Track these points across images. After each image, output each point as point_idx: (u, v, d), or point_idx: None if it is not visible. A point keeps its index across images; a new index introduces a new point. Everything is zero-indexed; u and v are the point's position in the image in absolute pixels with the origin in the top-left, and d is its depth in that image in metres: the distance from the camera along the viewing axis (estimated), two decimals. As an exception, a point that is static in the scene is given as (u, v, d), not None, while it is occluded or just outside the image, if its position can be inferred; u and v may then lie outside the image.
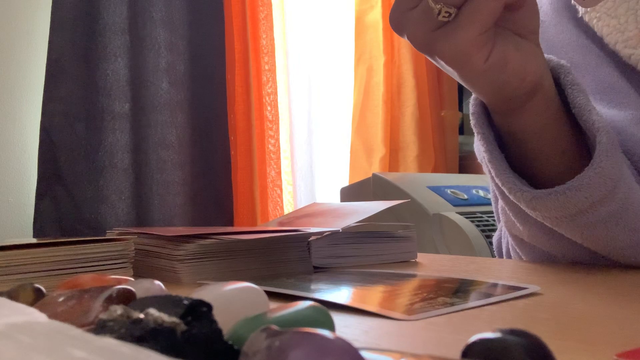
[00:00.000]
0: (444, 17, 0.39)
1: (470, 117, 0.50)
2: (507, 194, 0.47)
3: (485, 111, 0.49)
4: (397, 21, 0.41)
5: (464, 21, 0.38)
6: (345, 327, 0.29)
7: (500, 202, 0.52)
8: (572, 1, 0.41)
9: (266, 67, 1.95)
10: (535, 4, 0.43)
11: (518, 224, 0.51)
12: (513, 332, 0.17)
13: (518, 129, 0.47)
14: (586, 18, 0.57)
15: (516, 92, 0.43)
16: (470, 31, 0.38)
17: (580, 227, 0.46)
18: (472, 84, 0.44)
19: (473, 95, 0.49)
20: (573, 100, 0.45)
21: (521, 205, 0.46)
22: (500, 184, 0.47)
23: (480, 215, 1.35)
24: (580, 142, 0.47)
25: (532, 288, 0.37)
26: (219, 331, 0.18)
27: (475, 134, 0.50)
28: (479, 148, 0.51)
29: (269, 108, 1.95)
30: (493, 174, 0.48)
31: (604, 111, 0.55)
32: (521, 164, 0.49)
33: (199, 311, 0.18)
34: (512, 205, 0.49)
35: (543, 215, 0.46)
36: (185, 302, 0.18)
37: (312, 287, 0.42)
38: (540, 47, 0.44)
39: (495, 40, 0.40)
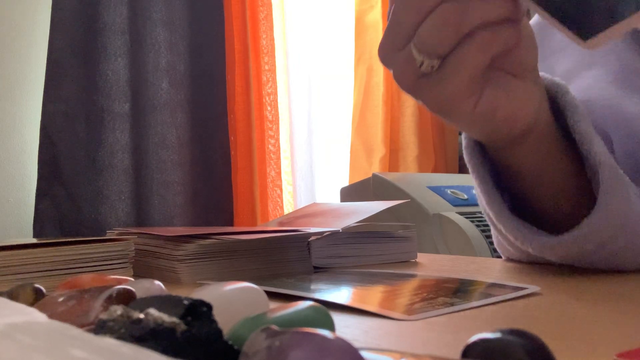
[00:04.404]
0: (427, 68, 0.36)
1: (464, 152, 0.48)
2: (512, 240, 0.45)
3: (479, 144, 0.47)
4: (384, 57, 0.39)
5: (448, 73, 0.36)
6: (345, 327, 0.29)
7: (494, 230, 0.51)
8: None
9: (266, 67, 1.95)
10: (533, 40, 0.39)
11: (514, 251, 0.51)
12: (513, 332, 0.17)
13: (513, 163, 0.45)
14: None
15: (506, 136, 0.42)
16: (454, 83, 0.36)
17: (589, 261, 0.45)
18: (459, 128, 0.43)
19: None
20: (573, 125, 0.43)
21: (527, 250, 0.45)
22: (503, 230, 0.46)
23: (480, 215, 1.35)
24: (580, 164, 0.46)
25: (532, 288, 0.37)
26: (219, 331, 0.18)
27: (470, 171, 0.48)
28: (475, 185, 0.49)
29: (269, 108, 1.95)
30: (493, 218, 0.46)
31: (626, 100, 0.53)
32: (518, 193, 0.48)
33: (199, 311, 0.18)
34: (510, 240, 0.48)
35: (549, 256, 0.45)
36: (185, 302, 0.18)
37: (312, 287, 0.42)
38: (538, 81, 0.41)
39: (483, 87, 0.38)
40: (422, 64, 0.36)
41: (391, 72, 0.39)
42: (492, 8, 0.34)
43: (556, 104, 0.45)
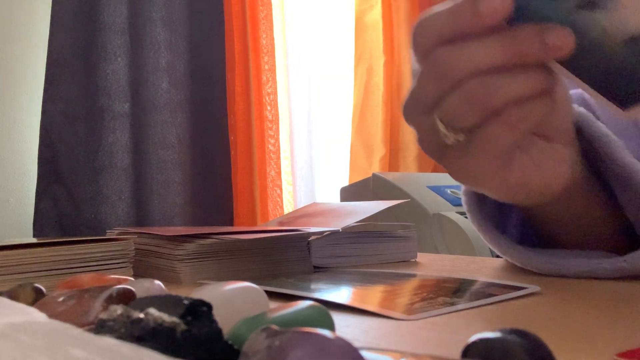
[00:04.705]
0: (451, 141, 0.33)
1: (462, 197, 0.46)
2: (545, 273, 0.44)
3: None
4: (408, 119, 0.35)
5: (475, 149, 0.33)
6: (345, 327, 0.29)
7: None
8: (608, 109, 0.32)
9: (266, 67, 1.95)
10: (567, 103, 0.36)
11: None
12: (513, 332, 0.17)
13: (539, 216, 0.44)
14: None
15: (537, 203, 0.39)
16: (481, 159, 0.33)
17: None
18: (487, 195, 0.40)
19: None
20: (611, 155, 0.41)
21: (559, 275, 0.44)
22: (529, 268, 0.44)
23: (480, 215, 1.34)
24: (608, 195, 0.44)
25: (532, 288, 0.37)
26: (219, 331, 0.18)
27: (467, 213, 0.46)
28: (479, 233, 0.47)
29: (269, 108, 1.95)
30: (516, 263, 0.45)
31: None
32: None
33: (199, 311, 0.18)
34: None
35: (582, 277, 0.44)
36: (185, 302, 0.18)
37: (312, 287, 0.42)
38: (572, 138, 0.38)
39: (513, 157, 0.35)
40: (446, 136, 0.33)
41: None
42: (523, 83, 0.31)
43: (581, 133, 0.42)
